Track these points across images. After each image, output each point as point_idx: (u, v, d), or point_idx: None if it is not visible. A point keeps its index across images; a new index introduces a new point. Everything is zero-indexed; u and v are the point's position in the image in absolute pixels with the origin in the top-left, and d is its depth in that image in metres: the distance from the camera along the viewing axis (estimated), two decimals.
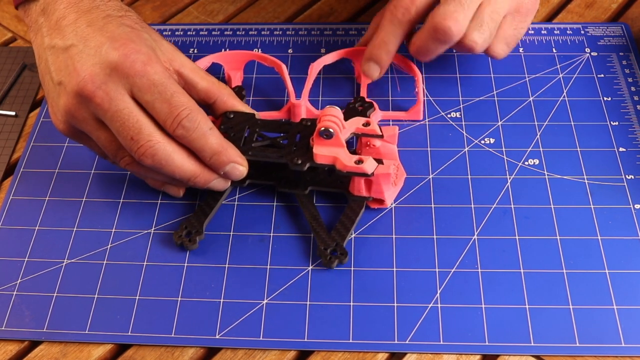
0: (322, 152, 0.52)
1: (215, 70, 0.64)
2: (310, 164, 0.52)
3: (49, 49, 0.50)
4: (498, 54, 0.58)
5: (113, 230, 0.55)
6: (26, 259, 0.53)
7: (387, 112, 0.61)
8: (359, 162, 0.51)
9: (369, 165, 0.51)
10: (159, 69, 0.48)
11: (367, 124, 0.53)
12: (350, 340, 0.48)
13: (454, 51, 0.66)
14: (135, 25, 0.50)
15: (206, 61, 0.63)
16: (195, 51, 0.67)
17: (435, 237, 0.53)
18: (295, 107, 0.59)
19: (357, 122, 0.53)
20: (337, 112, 0.53)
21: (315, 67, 0.62)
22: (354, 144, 0.58)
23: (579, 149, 0.58)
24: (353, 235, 0.53)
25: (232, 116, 0.54)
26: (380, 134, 0.53)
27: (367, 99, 0.59)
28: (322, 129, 0.51)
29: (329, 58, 0.63)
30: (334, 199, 0.56)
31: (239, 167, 0.51)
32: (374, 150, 0.56)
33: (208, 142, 0.49)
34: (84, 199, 0.57)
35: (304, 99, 0.59)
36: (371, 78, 0.59)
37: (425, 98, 0.62)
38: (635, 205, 0.54)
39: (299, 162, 0.52)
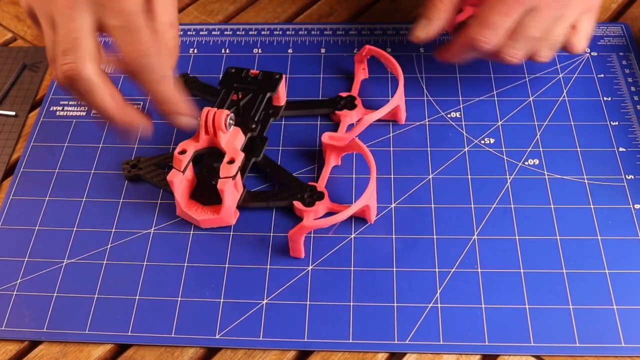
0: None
1: None
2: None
3: None
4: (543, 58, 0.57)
5: (113, 230, 0.55)
6: (26, 259, 0.53)
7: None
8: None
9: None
10: (135, 0, 0.46)
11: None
12: (350, 340, 0.48)
13: None
14: None
15: None
16: (195, 51, 0.67)
17: (435, 237, 0.53)
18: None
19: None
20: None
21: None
22: None
23: (579, 149, 0.58)
24: (353, 235, 0.53)
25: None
26: None
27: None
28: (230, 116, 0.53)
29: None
30: None
31: (185, 118, 0.51)
32: None
33: (159, 88, 0.48)
34: (84, 199, 0.57)
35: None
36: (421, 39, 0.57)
37: (426, 98, 0.62)
38: (635, 205, 0.54)
39: (253, 126, 0.56)
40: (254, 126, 0.57)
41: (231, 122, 0.53)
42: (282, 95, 0.61)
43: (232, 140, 0.54)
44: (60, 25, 0.46)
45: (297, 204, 0.54)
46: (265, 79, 0.60)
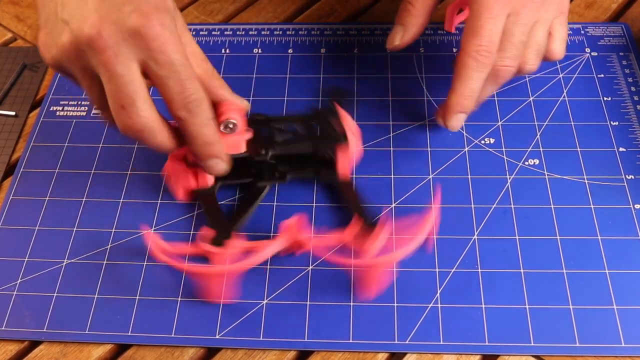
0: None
1: None
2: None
3: None
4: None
5: (113, 230, 0.55)
6: (26, 259, 0.53)
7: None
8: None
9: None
10: (180, 49, 0.46)
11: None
12: (350, 340, 0.48)
13: (454, 51, 0.66)
14: None
15: None
16: None
17: (435, 237, 0.53)
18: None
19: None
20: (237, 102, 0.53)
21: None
22: None
23: (579, 149, 0.58)
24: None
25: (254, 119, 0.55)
26: None
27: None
28: (225, 121, 0.52)
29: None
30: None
31: (222, 164, 0.51)
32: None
33: (204, 131, 0.49)
34: (84, 199, 0.57)
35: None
36: (456, 129, 0.55)
37: (426, 98, 0.62)
38: (635, 205, 0.54)
39: (263, 152, 0.53)
40: (263, 152, 0.53)
41: (230, 126, 0.52)
42: (343, 167, 0.55)
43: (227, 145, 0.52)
44: (110, 79, 0.45)
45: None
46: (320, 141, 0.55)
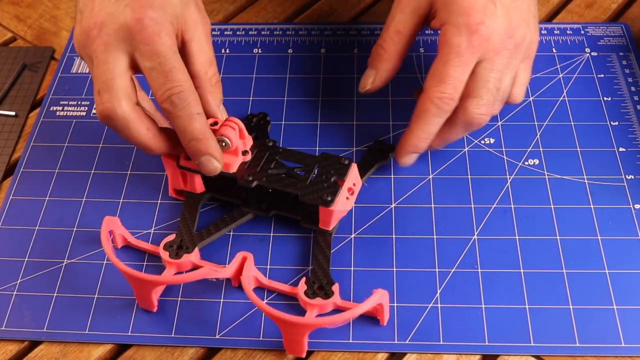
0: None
1: None
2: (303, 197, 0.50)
3: None
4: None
5: None
6: (26, 259, 0.53)
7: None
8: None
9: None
10: (167, 41, 0.48)
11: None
12: (350, 340, 0.48)
13: None
14: None
15: None
16: None
17: (435, 237, 0.53)
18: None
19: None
20: (238, 122, 0.51)
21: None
22: None
23: (579, 149, 0.58)
24: (353, 235, 0.53)
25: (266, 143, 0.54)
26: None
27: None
28: (218, 137, 0.50)
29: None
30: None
31: (214, 162, 0.50)
32: None
33: (191, 125, 0.48)
34: (84, 199, 0.57)
35: None
36: (407, 165, 0.55)
37: None
38: (635, 205, 0.54)
39: (250, 178, 0.51)
40: (250, 178, 0.51)
41: (222, 144, 0.51)
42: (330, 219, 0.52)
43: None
44: (96, 65, 0.48)
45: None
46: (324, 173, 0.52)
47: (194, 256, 0.51)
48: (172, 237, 0.52)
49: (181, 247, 0.51)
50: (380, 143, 0.58)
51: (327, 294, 0.48)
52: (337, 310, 0.49)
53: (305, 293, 0.48)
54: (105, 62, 0.47)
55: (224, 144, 0.51)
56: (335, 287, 0.49)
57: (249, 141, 0.53)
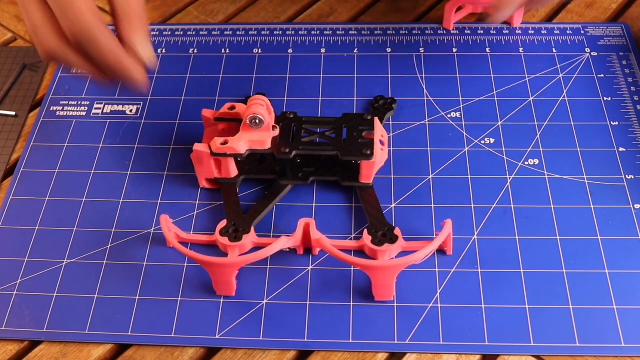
0: (252, 138, 0.52)
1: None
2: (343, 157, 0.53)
3: None
4: None
5: (113, 230, 0.55)
6: (26, 259, 0.53)
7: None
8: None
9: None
10: None
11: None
12: (350, 340, 0.48)
13: (454, 51, 0.66)
14: None
15: None
16: (196, 51, 0.67)
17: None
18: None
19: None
20: (264, 98, 0.53)
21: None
22: None
23: (579, 149, 0.58)
24: (353, 235, 0.53)
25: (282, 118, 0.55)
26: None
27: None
28: (251, 116, 0.52)
29: None
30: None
31: (137, 68, 0.49)
32: None
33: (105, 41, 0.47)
34: (84, 199, 0.57)
35: None
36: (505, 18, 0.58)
37: (426, 98, 0.62)
38: (635, 205, 0.54)
39: (287, 150, 0.53)
40: (287, 151, 0.53)
41: (256, 121, 0.52)
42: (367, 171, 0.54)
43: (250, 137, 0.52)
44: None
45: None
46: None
47: (252, 236, 0.52)
48: (223, 223, 0.52)
49: (237, 230, 0.52)
50: (380, 97, 0.61)
51: (392, 239, 0.51)
52: (404, 252, 0.51)
53: (372, 242, 0.50)
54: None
55: (257, 121, 0.52)
56: (397, 231, 0.51)
57: (273, 116, 0.54)
